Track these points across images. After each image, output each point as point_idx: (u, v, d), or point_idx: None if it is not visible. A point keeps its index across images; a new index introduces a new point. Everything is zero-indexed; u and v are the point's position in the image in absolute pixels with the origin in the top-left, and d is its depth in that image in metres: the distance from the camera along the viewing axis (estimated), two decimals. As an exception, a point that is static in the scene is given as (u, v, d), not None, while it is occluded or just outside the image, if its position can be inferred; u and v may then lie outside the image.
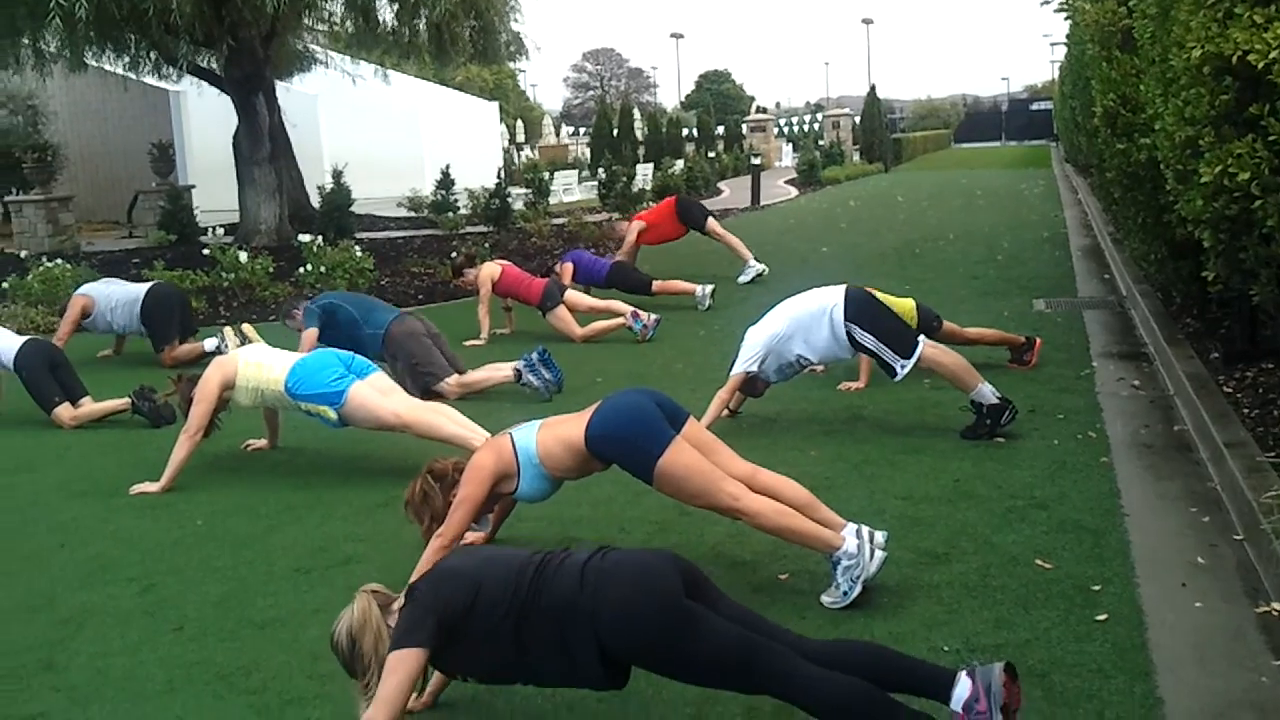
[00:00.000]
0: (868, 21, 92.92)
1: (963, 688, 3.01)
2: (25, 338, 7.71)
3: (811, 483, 5.41)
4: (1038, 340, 7.84)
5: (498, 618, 3.02)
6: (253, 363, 6.02)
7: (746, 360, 6.21)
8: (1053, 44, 67.25)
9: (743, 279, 12.49)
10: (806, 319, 6.10)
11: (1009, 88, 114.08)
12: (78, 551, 5.09)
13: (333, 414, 5.84)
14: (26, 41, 16.46)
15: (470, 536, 4.59)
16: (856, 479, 5.56)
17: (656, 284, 11.11)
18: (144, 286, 9.52)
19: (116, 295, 9.38)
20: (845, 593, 4.06)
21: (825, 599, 4.12)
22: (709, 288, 10.96)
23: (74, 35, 15.69)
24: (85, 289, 9.61)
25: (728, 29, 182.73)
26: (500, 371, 7.63)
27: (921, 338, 6.15)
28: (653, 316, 9.46)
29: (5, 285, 12.25)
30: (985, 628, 3.86)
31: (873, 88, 45.07)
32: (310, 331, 7.69)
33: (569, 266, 11.01)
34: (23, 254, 16.40)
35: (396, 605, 3.14)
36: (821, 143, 42.44)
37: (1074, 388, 7.16)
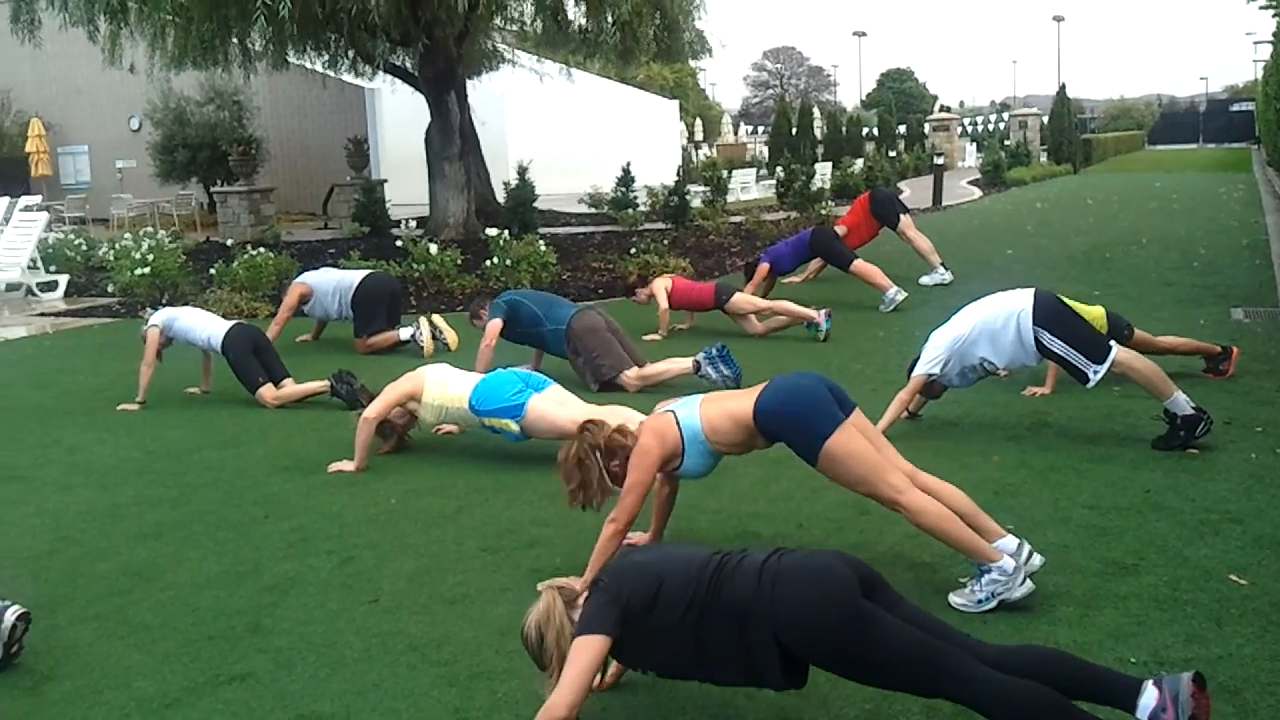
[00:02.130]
0: (1059, 19, 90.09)
1: (1149, 697, 2.94)
2: (231, 322, 8.15)
3: (994, 488, 5.37)
4: (1235, 350, 7.52)
5: (678, 614, 3.09)
6: (438, 383, 6.25)
7: (928, 363, 6.15)
8: (1256, 42, 63.87)
9: (926, 281, 12.29)
10: (993, 323, 6.00)
11: (1207, 87, 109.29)
12: (281, 523, 5.38)
13: (514, 426, 6.03)
14: (234, 40, 17.30)
15: (634, 537, 4.68)
16: (1041, 486, 5.45)
17: (856, 264, 11.02)
18: (359, 274, 9.96)
19: (333, 283, 9.84)
20: (980, 601, 4.04)
21: (955, 598, 4.10)
22: (901, 294, 10.81)
23: (278, 34, 16.45)
24: (304, 277, 10.11)
25: (912, 27, 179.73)
26: (680, 364, 7.73)
27: (1114, 343, 5.98)
28: (824, 312, 9.41)
29: (212, 271, 12.95)
30: (1175, 641, 3.76)
31: (1062, 87, 43.69)
32: (495, 322, 7.91)
33: (765, 267, 11.04)
34: (228, 242, 17.30)
35: (580, 599, 3.25)
36: (1007, 143, 41.38)
37: (1273, 400, 6.87)
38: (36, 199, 18.90)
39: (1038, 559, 4.16)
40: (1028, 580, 4.05)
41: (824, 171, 28.32)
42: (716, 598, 3.07)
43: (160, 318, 8.05)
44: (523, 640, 3.28)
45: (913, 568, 4.49)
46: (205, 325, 7.99)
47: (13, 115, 31.71)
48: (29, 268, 15.06)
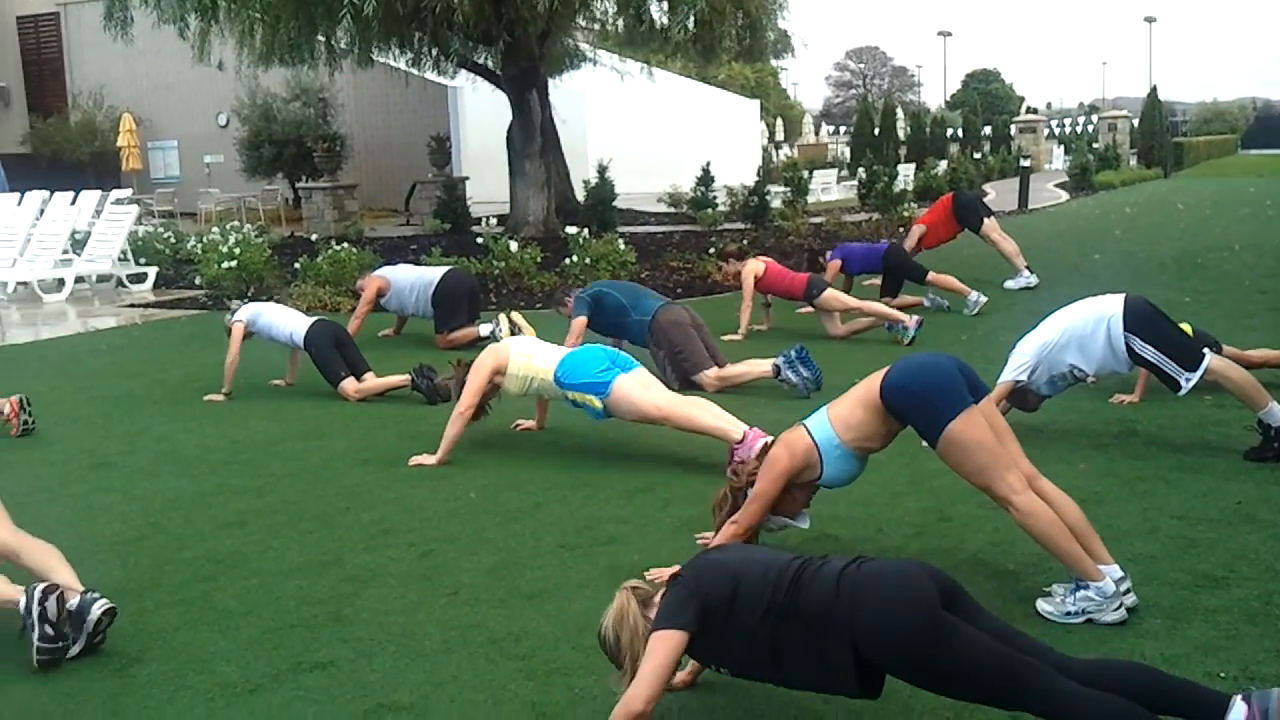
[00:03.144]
0: (1150, 20, 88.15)
1: (1237, 712, 2.86)
2: (314, 318, 8.27)
3: (1080, 496, 5.24)
4: (1332, 361, 7.30)
5: (755, 616, 3.07)
6: (524, 353, 6.29)
7: (1015, 369, 6.03)
8: (1359, 44, 62.08)
9: (1010, 285, 12.10)
10: (1082, 328, 5.87)
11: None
12: (362, 515, 5.44)
13: (598, 404, 6.05)
14: (320, 38, 17.56)
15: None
16: (1128, 495, 5.34)
17: (931, 275, 10.90)
18: (439, 271, 10.06)
19: (412, 278, 9.95)
20: (1068, 613, 3.96)
21: (1043, 605, 4.02)
22: (983, 298, 10.67)
23: (363, 32, 16.67)
24: (381, 272, 10.23)
25: (998, 27, 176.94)
26: (759, 366, 7.69)
27: (1207, 350, 5.84)
28: (915, 319, 9.32)
29: (297, 265, 13.15)
30: (1267, 656, 3.66)
31: (1153, 89, 42.85)
32: (580, 320, 7.95)
33: (836, 263, 10.92)
34: (313, 237, 17.56)
35: (657, 598, 3.24)
36: (1095, 145, 40.66)
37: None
38: (127, 193, 19.33)
39: (1132, 598, 4.05)
40: (1122, 608, 3.96)
41: (907, 173, 28.04)
42: (794, 602, 3.04)
43: (244, 313, 8.18)
44: (599, 640, 3.29)
45: (995, 576, 4.42)
46: (288, 321, 8.11)
47: (105, 110, 32.47)
48: (119, 260, 15.41)
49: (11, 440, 7.05)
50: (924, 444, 4.19)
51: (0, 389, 7.61)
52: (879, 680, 3.08)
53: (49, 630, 3.78)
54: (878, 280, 11.30)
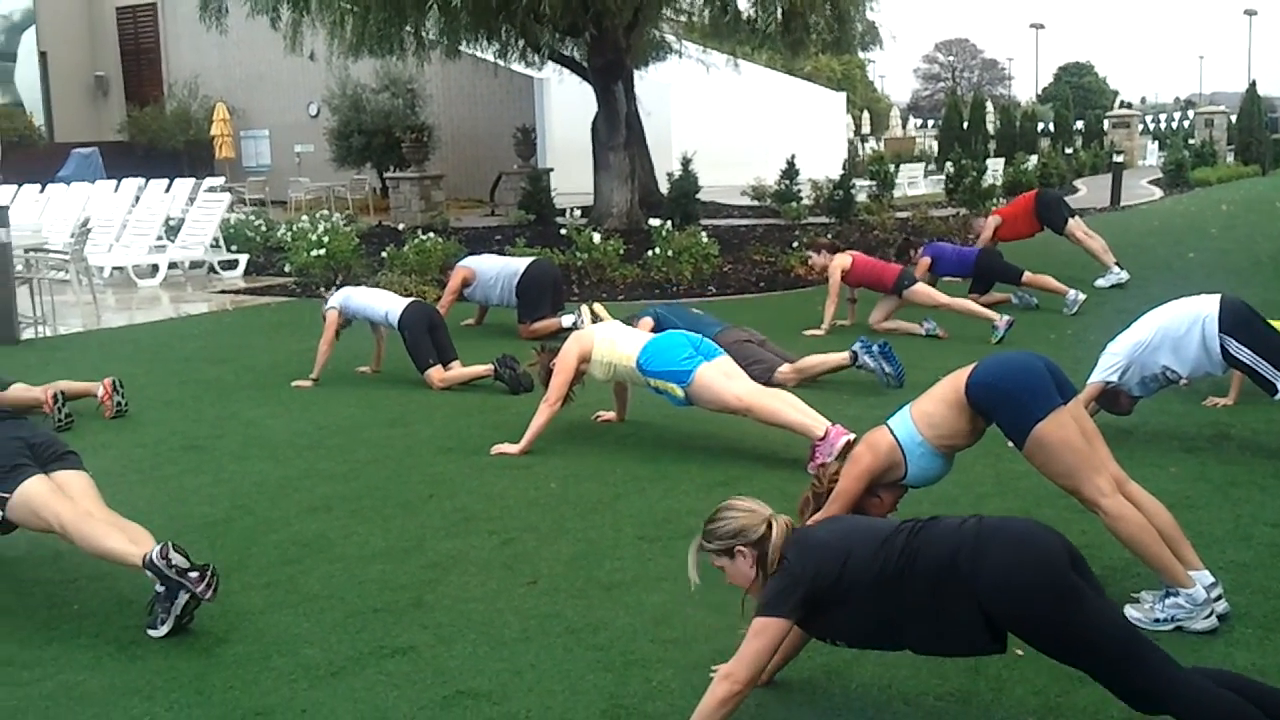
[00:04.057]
0: (1250, 13, 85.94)
1: None
2: (410, 299, 8.36)
3: (1170, 501, 5.12)
4: None
5: (869, 587, 3.05)
6: (608, 339, 6.31)
7: (1106, 370, 5.91)
8: None
9: (1102, 283, 11.86)
10: (1176, 329, 5.73)
11: None
12: (445, 502, 5.49)
13: (679, 392, 6.04)
14: (409, 29, 17.75)
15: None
16: (1220, 501, 5.21)
17: (1027, 275, 10.72)
18: (523, 261, 10.13)
19: (496, 269, 10.03)
20: (1157, 620, 3.88)
21: (1132, 611, 3.93)
22: (1082, 296, 10.47)
23: (451, 23, 16.85)
24: (467, 261, 10.33)
25: (1092, 19, 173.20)
26: (836, 356, 7.63)
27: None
28: (1005, 318, 9.17)
29: (384, 254, 13.31)
30: (1366, 671, 3.55)
31: (1252, 84, 41.72)
32: (646, 320, 7.90)
33: (926, 260, 10.77)
34: (399, 227, 17.76)
35: (774, 543, 3.18)
36: (1191, 141, 39.70)
37: None
38: (220, 180, 19.73)
39: (1224, 605, 3.96)
40: (1213, 616, 3.87)
41: (995, 168, 27.60)
42: (912, 562, 3.03)
43: (337, 299, 8.30)
44: (712, 520, 3.31)
45: (1082, 579, 4.34)
46: (382, 302, 8.22)
47: (199, 100, 33.14)
48: (211, 246, 15.73)
49: (105, 422, 7.22)
50: (1009, 444, 4.12)
51: (95, 372, 7.80)
52: (1002, 637, 3.03)
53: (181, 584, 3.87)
54: (958, 279, 11.14)
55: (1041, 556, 2.92)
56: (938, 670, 3.57)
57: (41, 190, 20.05)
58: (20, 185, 20.02)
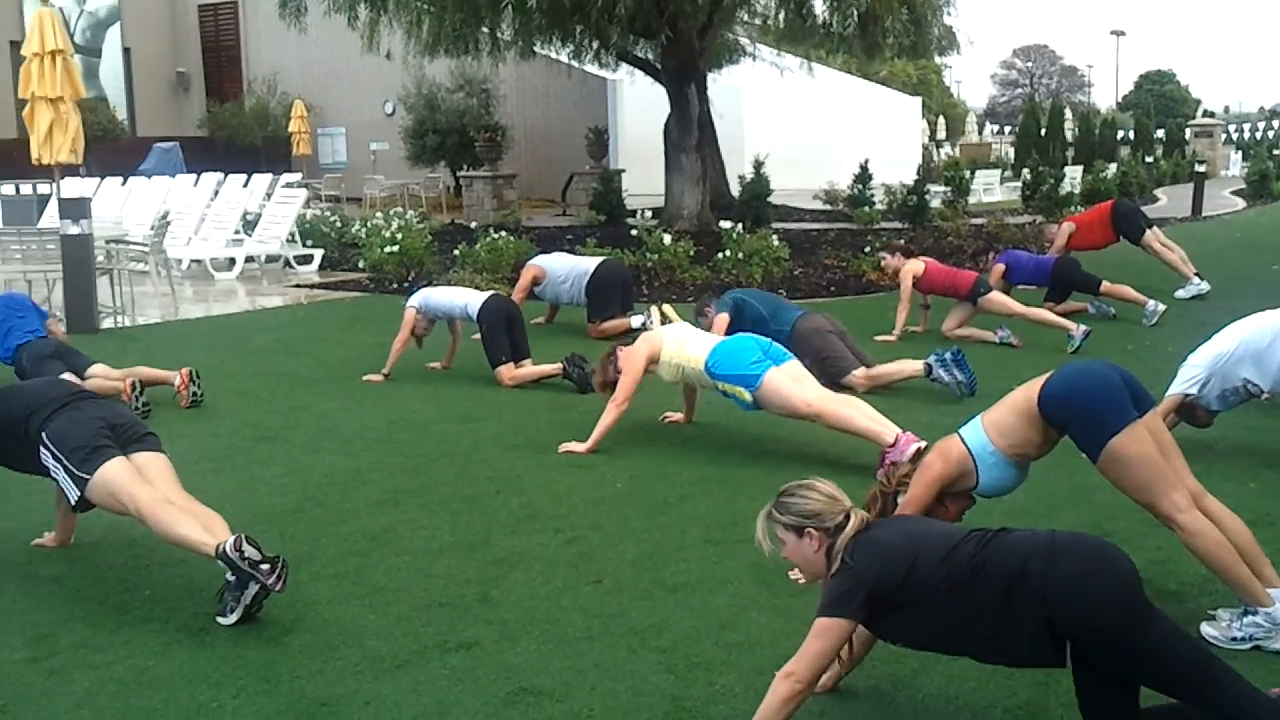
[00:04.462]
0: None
1: None
2: (489, 292, 8.41)
3: (1249, 517, 4.99)
4: None
5: (934, 592, 3.02)
6: (676, 341, 6.29)
7: (1186, 382, 5.77)
8: None
9: (1182, 294, 11.62)
10: (1259, 341, 5.59)
11: None
12: (511, 499, 5.51)
13: (747, 396, 6.00)
14: (485, 29, 17.87)
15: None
16: (1304, 518, 5.08)
17: (1106, 285, 10.53)
18: (593, 261, 10.15)
19: (567, 268, 10.06)
20: (1234, 639, 3.78)
21: (1208, 629, 3.85)
22: (1162, 306, 10.27)
23: (526, 24, 16.93)
24: (537, 260, 10.36)
25: (1175, 26, 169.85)
26: (910, 365, 7.54)
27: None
28: (1081, 328, 9.02)
29: (456, 252, 13.41)
30: None
31: (1342, 93, 40.68)
32: (722, 317, 7.90)
33: (1001, 268, 10.62)
34: (471, 225, 17.90)
35: (845, 535, 3.16)
36: (1276, 152, 38.83)
37: None
38: (297, 177, 20.04)
39: None
40: None
41: (1073, 175, 27.20)
42: (981, 570, 2.99)
43: (417, 299, 8.35)
44: (787, 494, 3.28)
45: (1158, 597, 4.21)
46: (462, 296, 8.31)
47: (278, 96, 33.65)
48: (288, 241, 15.94)
49: (180, 411, 7.34)
50: (1084, 456, 4.05)
51: (171, 362, 7.93)
52: (1062, 649, 2.98)
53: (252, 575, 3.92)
54: (1032, 287, 10.98)
55: (1114, 571, 2.89)
56: (1006, 683, 3.51)
57: (123, 183, 20.47)
58: (103, 178, 20.45)
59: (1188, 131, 43.23)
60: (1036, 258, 11.13)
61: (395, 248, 13.39)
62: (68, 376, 7.23)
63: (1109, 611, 2.84)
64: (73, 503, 4.32)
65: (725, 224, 13.68)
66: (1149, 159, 35.66)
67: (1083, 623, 2.87)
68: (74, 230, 10.60)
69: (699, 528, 5.06)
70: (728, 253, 12.75)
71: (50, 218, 14.19)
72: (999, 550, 3.01)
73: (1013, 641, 2.97)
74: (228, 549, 3.90)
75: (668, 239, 13.31)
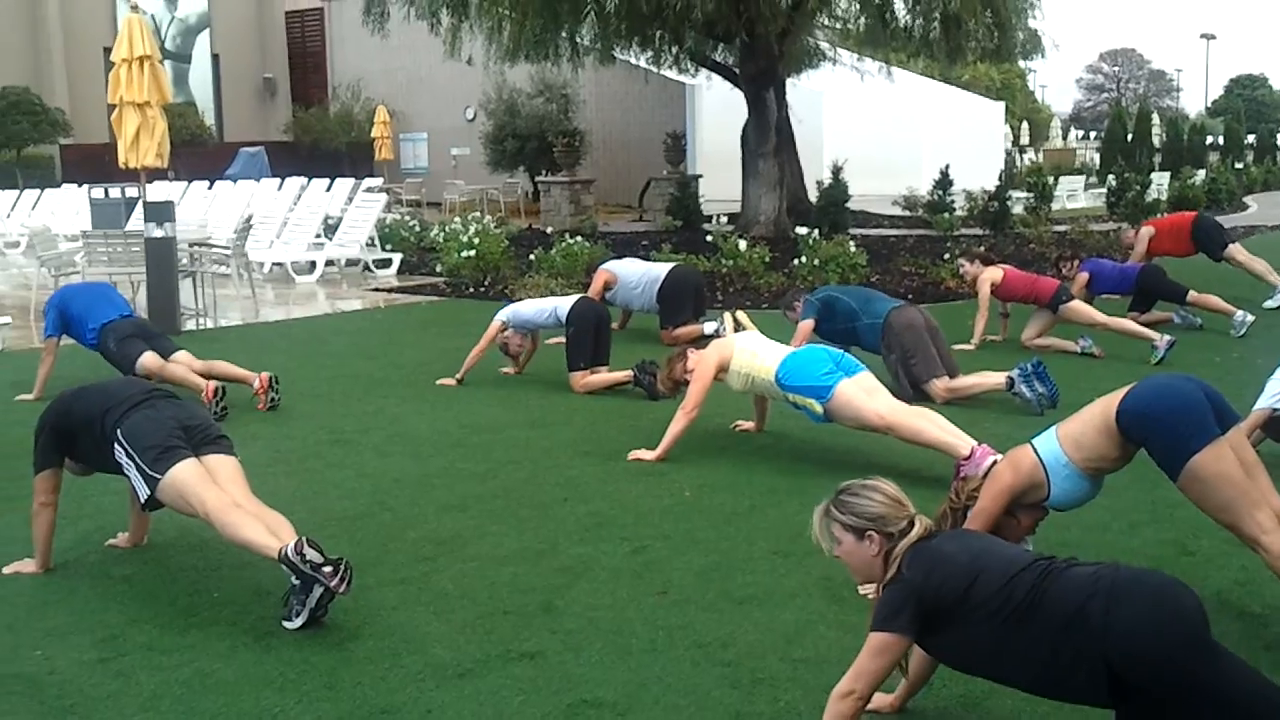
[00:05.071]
0: None
1: None
2: (579, 295, 8.41)
3: (1342, 537, 4.83)
4: None
5: (989, 617, 2.93)
6: (748, 350, 6.22)
7: (1273, 396, 5.59)
8: None
9: (1270, 304, 11.28)
10: (1352, 354, 5.41)
11: None
12: (579, 506, 5.48)
13: (818, 408, 5.92)
14: (565, 34, 17.92)
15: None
16: (1399, 540, 4.87)
17: (1192, 294, 10.26)
18: (665, 267, 10.11)
19: (639, 274, 10.02)
20: None
21: None
22: (1250, 317, 9.97)
23: (605, 29, 16.94)
24: (609, 265, 10.34)
25: (1267, 30, 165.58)
26: (992, 378, 7.40)
27: None
28: (1166, 338, 8.79)
29: (532, 257, 13.46)
30: None
31: None
32: (806, 323, 7.83)
33: (1084, 276, 10.37)
34: (548, 230, 17.97)
35: (906, 542, 3.09)
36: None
37: None
38: (378, 181, 20.26)
39: None
40: None
41: (1160, 182, 26.61)
42: (1039, 602, 2.89)
43: (506, 312, 8.36)
44: (847, 492, 3.26)
45: (1240, 618, 4.10)
46: (550, 302, 8.34)
47: (362, 102, 34.11)
48: (367, 245, 16.12)
49: (258, 414, 7.43)
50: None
51: (251, 364, 8.03)
52: (1119, 690, 2.87)
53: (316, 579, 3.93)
54: (1116, 296, 10.73)
55: (1178, 613, 2.77)
56: (1080, 707, 3.40)
57: (210, 187, 20.86)
58: (190, 182, 20.87)
59: (1279, 137, 42.13)
60: (1121, 266, 10.87)
61: (472, 252, 13.49)
62: (149, 356, 7.38)
63: (1172, 655, 2.74)
64: (142, 501, 4.38)
65: (802, 230, 13.57)
66: (1239, 165, 34.80)
67: (1143, 667, 2.77)
68: (158, 233, 10.81)
69: (767, 539, 4.99)
70: (804, 259, 12.66)
71: (137, 221, 14.47)
72: (1059, 586, 2.90)
73: (1066, 680, 2.87)
74: (289, 552, 3.91)
75: (743, 245, 13.25)
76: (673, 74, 23.94)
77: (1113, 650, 2.77)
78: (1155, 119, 42.17)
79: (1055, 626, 2.85)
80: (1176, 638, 2.74)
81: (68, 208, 21.26)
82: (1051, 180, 23.18)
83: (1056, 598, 2.87)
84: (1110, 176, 25.13)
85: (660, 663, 3.81)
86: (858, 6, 18.36)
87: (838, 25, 21.03)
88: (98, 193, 19.08)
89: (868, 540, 3.14)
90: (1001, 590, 2.93)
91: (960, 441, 5.58)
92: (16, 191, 23.93)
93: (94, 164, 29.13)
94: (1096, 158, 40.31)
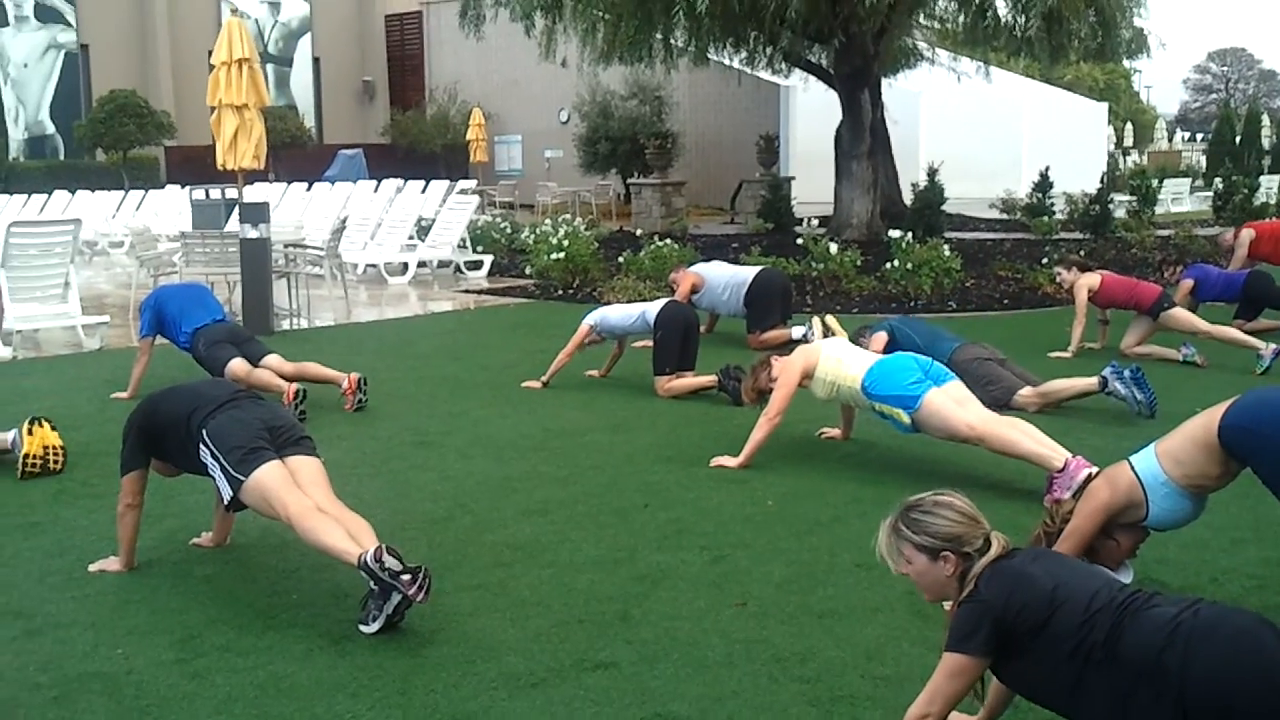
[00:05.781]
0: None
1: None
2: (668, 299, 8.36)
3: None
4: None
5: (1064, 651, 2.79)
6: (834, 357, 6.09)
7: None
8: None
9: (1384, 312, 10.86)
10: None
11: None
12: (659, 513, 5.41)
13: (905, 418, 5.77)
14: (659, 36, 17.89)
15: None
16: None
17: None
18: (752, 270, 10.00)
19: (725, 277, 9.92)
20: None
21: None
22: None
23: (699, 30, 16.87)
24: (696, 268, 10.25)
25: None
26: (1084, 381, 7.18)
27: None
28: (1272, 347, 8.46)
29: (620, 260, 13.43)
30: None
31: None
32: (880, 334, 7.64)
33: (1189, 283, 10.05)
34: (638, 232, 17.96)
35: (985, 562, 2.96)
36: None
37: None
38: (472, 183, 20.43)
39: None
40: None
41: (1270, 185, 25.79)
42: (1116, 644, 2.74)
43: (594, 317, 8.33)
44: (922, 506, 3.14)
45: (1351, 645, 3.89)
46: (637, 307, 8.27)
47: (458, 104, 34.46)
48: (459, 247, 16.24)
49: (345, 414, 7.48)
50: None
51: (342, 365, 8.09)
52: None
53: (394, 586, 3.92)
54: (1221, 303, 10.37)
55: (1261, 657, 2.61)
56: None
57: (308, 189, 21.22)
58: (289, 184, 21.25)
59: (1401, 138, 40.61)
60: (1227, 273, 10.52)
61: (561, 254, 13.51)
62: (238, 363, 7.48)
63: (1255, 705, 2.57)
64: (226, 502, 4.41)
65: (894, 233, 13.35)
66: (1355, 167, 33.59)
67: (1225, 712, 2.61)
68: (253, 234, 10.99)
69: (850, 551, 4.86)
70: (896, 263, 12.44)
71: (236, 222, 14.76)
72: (1136, 630, 2.74)
73: None
74: (368, 560, 3.90)
75: (834, 248, 13.07)
76: (767, 75, 23.79)
77: (1191, 702, 2.62)
78: (1265, 120, 40.94)
79: (1131, 674, 2.70)
80: (1256, 686, 2.57)
81: (171, 209, 21.79)
82: (1156, 183, 22.58)
83: (1133, 643, 2.72)
84: (1217, 179, 24.44)
85: (737, 677, 3.73)
86: (956, 4, 18.07)
87: (935, 24, 20.73)
88: (199, 194, 19.53)
89: (942, 561, 3.02)
90: (1080, 628, 2.78)
91: (1054, 453, 5.40)
92: (123, 192, 24.60)
93: (197, 166, 29.80)
94: (1203, 160, 39.26)
